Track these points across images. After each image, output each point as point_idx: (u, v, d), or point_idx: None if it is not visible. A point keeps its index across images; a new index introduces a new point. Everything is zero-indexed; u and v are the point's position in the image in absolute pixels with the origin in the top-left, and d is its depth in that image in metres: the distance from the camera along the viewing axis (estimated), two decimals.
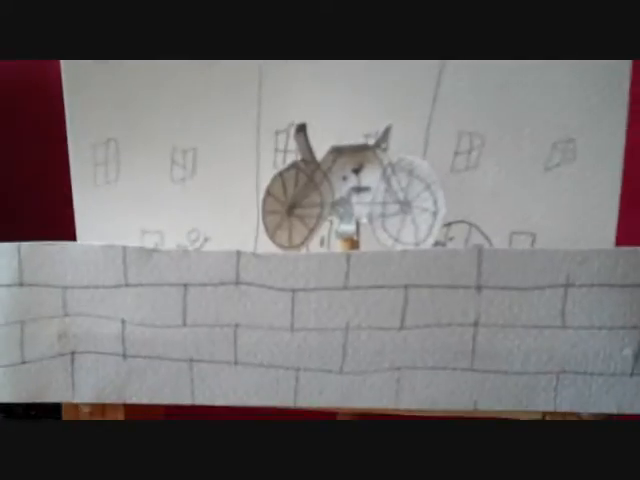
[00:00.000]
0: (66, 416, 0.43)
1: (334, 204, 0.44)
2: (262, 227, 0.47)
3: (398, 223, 0.43)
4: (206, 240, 0.51)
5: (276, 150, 0.49)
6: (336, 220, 0.44)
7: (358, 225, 0.44)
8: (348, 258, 0.41)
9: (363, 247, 0.44)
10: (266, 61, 0.45)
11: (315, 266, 0.41)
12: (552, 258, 0.40)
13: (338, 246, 0.45)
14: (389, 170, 0.43)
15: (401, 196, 0.43)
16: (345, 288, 0.41)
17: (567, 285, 0.40)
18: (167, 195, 0.48)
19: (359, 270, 0.41)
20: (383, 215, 0.43)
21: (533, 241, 0.49)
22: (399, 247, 0.42)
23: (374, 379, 0.41)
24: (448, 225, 0.49)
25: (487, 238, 0.48)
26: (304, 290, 0.41)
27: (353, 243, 0.44)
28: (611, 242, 0.47)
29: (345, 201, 0.44)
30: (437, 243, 0.49)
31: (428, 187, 0.42)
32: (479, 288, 0.40)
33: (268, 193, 0.46)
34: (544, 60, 0.44)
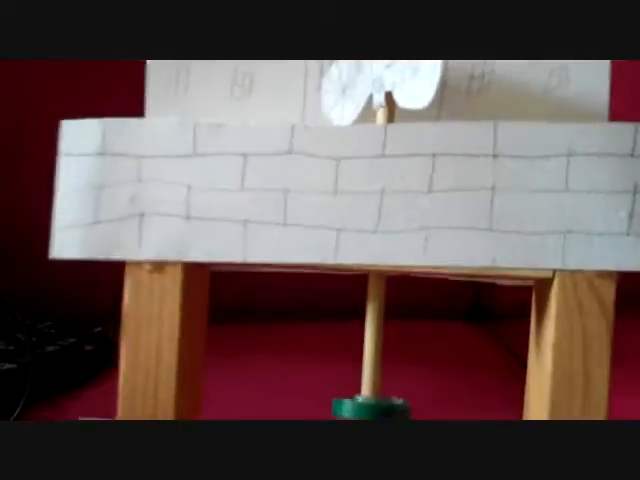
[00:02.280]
0: (129, 274, 0.48)
1: (373, 81, 0.52)
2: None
3: (410, 83, 0.49)
4: None
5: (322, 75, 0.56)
6: (375, 94, 0.51)
7: (387, 95, 0.51)
8: (385, 130, 0.48)
9: None
10: None
11: (357, 137, 0.48)
12: (556, 131, 0.47)
13: (378, 119, 0.51)
14: None
15: (414, 63, 0.50)
16: (382, 156, 0.48)
17: (569, 154, 0.47)
18: (226, 112, 0.56)
19: (394, 140, 0.48)
20: (402, 80, 0.50)
21: None
22: (409, 103, 0.49)
23: (405, 238, 0.47)
24: None
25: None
26: (346, 158, 0.48)
27: (391, 112, 0.51)
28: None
29: (380, 78, 0.51)
30: None
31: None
32: (495, 156, 0.47)
33: (328, 78, 0.54)
34: None
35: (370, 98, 0.52)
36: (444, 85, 0.53)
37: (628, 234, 0.47)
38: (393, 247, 0.48)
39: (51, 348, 0.77)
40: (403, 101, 0.51)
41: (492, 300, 0.98)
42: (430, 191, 0.48)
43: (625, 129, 0.47)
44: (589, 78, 0.54)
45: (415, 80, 0.50)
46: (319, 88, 0.55)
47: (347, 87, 0.54)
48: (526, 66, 0.55)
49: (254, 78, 0.55)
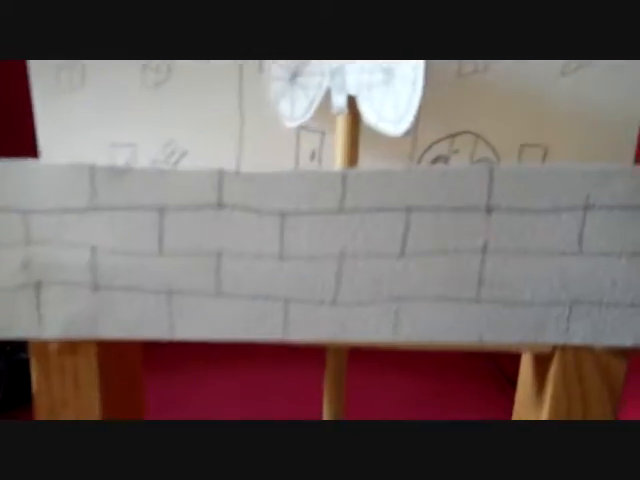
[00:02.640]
0: (34, 354, 0.39)
1: (332, 73, 0.39)
2: (246, 135, 0.43)
3: (381, 95, 0.38)
4: (183, 154, 0.46)
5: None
6: (334, 92, 0.39)
7: (350, 98, 0.39)
8: (344, 177, 0.36)
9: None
10: None
11: (307, 186, 0.37)
12: (571, 177, 0.36)
13: (337, 128, 0.40)
14: None
15: (385, 63, 0.37)
16: (341, 211, 0.37)
17: (586, 207, 0.36)
18: (139, 102, 0.44)
19: (356, 191, 0.36)
20: (369, 85, 0.38)
21: (545, 155, 0.45)
22: (381, 125, 0.38)
23: (370, 310, 0.38)
24: (452, 137, 0.45)
25: (495, 151, 0.43)
26: (295, 213, 0.37)
27: (355, 121, 0.39)
28: (631, 155, 0.43)
29: (341, 69, 0.39)
30: (439, 157, 0.44)
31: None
32: (489, 210, 0.36)
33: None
34: None
35: (327, 92, 0.39)
36: (427, 66, 0.40)
37: None
38: (356, 322, 0.38)
39: (24, 355, 0.75)
40: (371, 119, 0.38)
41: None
42: (403, 254, 0.37)
43: None
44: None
45: (388, 90, 0.37)
46: (260, 68, 0.42)
47: (298, 73, 0.40)
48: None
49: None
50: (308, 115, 0.41)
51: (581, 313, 0.37)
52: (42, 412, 0.40)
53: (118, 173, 0.36)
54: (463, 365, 0.79)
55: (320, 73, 0.40)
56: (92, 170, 0.36)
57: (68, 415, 0.40)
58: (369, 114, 0.39)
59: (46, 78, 0.42)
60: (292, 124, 0.42)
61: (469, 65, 0.43)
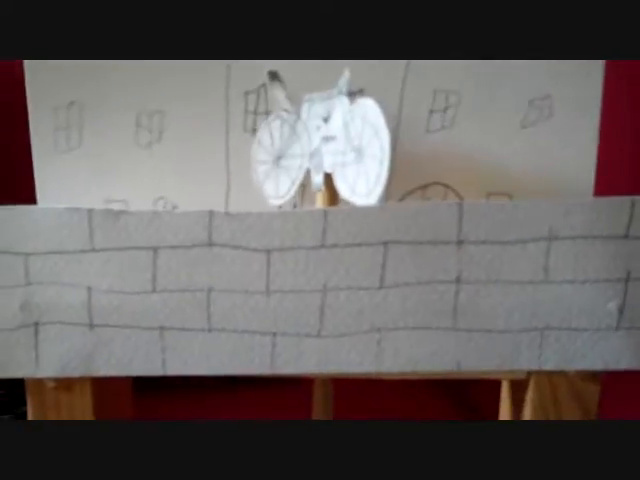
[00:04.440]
0: (30, 391, 0.41)
1: (311, 155, 0.43)
2: (232, 192, 0.46)
3: (354, 172, 0.41)
4: (174, 208, 0.49)
5: (246, 112, 0.47)
6: (314, 173, 0.43)
7: (327, 176, 0.42)
8: (325, 215, 0.39)
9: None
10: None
11: (291, 224, 0.39)
12: (534, 211, 0.39)
13: (316, 203, 0.43)
14: (348, 116, 0.42)
15: (356, 143, 0.41)
16: (322, 247, 0.39)
17: (550, 238, 0.39)
18: (132, 161, 0.47)
19: (337, 227, 0.39)
20: (343, 164, 0.42)
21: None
22: (354, 199, 0.41)
23: (354, 342, 0.40)
24: (424, 187, 0.48)
25: (463, 200, 0.47)
26: (280, 250, 0.39)
27: (332, 197, 0.42)
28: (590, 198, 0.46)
29: (317, 151, 0.42)
30: None
31: (376, 132, 0.40)
32: (460, 243, 0.39)
33: (258, 143, 0.45)
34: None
35: (308, 172, 0.43)
36: (398, 124, 0.44)
37: (617, 329, 0.39)
38: (340, 353, 0.40)
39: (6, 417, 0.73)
40: (345, 192, 0.42)
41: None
42: (382, 286, 0.40)
43: (620, 204, 0.38)
44: (578, 109, 0.45)
45: (359, 168, 0.41)
46: (244, 128, 0.45)
47: (281, 156, 0.44)
48: (501, 93, 0.45)
49: (164, 119, 0.45)
50: (290, 193, 0.45)
51: (552, 339, 0.39)
52: None
53: (114, 215, 0.39)
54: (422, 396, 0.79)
55: (300, 155, 0.44)
56: (90, 213, 0.39)
57: None
58: (344, 189, 0.42)
59: (46, 139, 0.45)
60: (276, 202, 0.46)
61: (437, 122, 0.47)
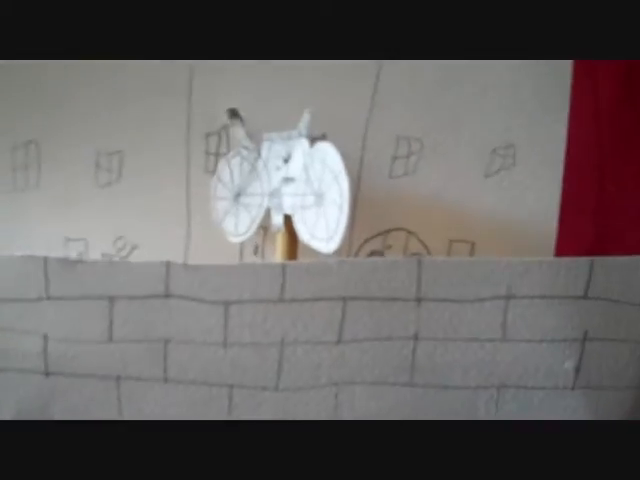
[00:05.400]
0: None
1: (271, 194, 0.43)
2: (193, 231, 0.46)
3: (314, 216, 0.41)
4: (133, 248, 0.48)
5: (207, 153, 0.47)
6: (272, 211, 0.43)
7: (287, 217, 0.43)
8: (284, 269, 0.39)
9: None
10: (197, 61, 0.43)
11: (249, 277, 0.39)
12: (493, 268, 0.39)
13: (276, 244, 0.43)
14: (308, 159, 0.42)
15: (316, 187, 0.41)
16: (281, 300, 0.39)
17: (508, 297, 0.39)
18: (92, 201, 0.46)
19: (295, 282, 0.39)
20: (302, 207, 0.42)
21: (472, 249, 0.48)
22: (314, 243, 0.41)
23: (311, 395, 0.40)
24: (386, 232, 0.48)
25: (425, 246, 0.47)
26: (238, 303, 0.39)
27: (292, 238, 0.42)
28: (551, 249, 0.47)
29: (277, 192, 0.42)
30: (374, 252, 0.48)
31: (336, 177, 0.40)
32: (419, 300, 0.39)
33: (218, 179, 0.45)
34: (481, 60, 0.43)
35: (267, 211, 0.43)
36: (360, 168, 0.44)
37: (574, 388, 0.40)
38: (298, 405, 0.40)
39: None
40: (305, 237, 0.42)
41: None
42: (340, 341, 0.40)
43: (578, 265, 0.39)
44: (540, 158, 0.45)
45: (319, 212, 0.41)
46: (206, 169, 0.45)
47: (241, 193, 0.44)
48: (464, 141, 0.45)
49: (123, 158, 0.45)
50: (250, 232, 0.45)
51: (508, 396, 0.40)
52: None
53: (70, 264, 0.38)
54: None
55: (260, 194, 0.44)
56: (45, 261, 0.38)
57: None
58: (303, 232, 0.42)
59: (3, 178, 0.45)
60: (236, 240, 0.46)
61: (399, 168, 0.47)
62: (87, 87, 0.45)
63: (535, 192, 0.47)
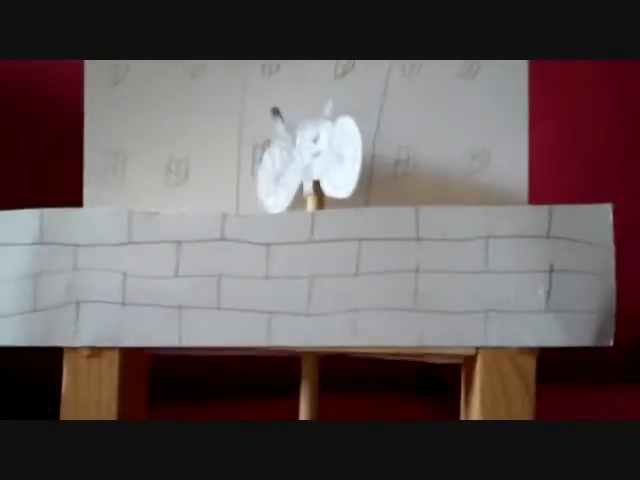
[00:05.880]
0: (67, 360, 0.49)
1: (303, 170, 0.54)
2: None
3: (336, 173, 0.52)
4: None
5: (254, 162, 0.59)
6: (305, 182, 0.54)
7: (316, 183, 0.54)
8: (312, 217, 0.50)
9: None
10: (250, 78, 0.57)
11: (286, 223, 0.50)
12: (476, 214, 0.50)
13: (307, 206, 0.54)
14: (331, 132, 0.53)
15: (337, 150, 0.53)
16: (311, 242, 0.50)
17: (488, 237, 0.49)
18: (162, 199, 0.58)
19: (322, 227, 0.50)
20: (327, 169, 0.53)
21: None
22: (335, 192, 0.52)
23: (334, 320, 0.49)
24: None
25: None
26: (277, 244, 0.50)
27: (320, 200, 0.53)
28: None
29: (309, 167, 0.54)
30: None
31: (352, 139, 0.52)
32: (418, 240, 0.50)
33: (262, 167, 0.57)
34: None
35: (301, 186, 0.55)
36: (371, 172, 0.56)
37: (546, 311, 0.49)
38: (323, 329, 0.50)
39: None
40: (329, 190, 0.53)
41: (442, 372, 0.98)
42: (357, 274, 0.50)
43: (540, 212, 0.50)
44: (509, 160, 0.57)
45: (339, 168, 0.53)
46: (252, 172, 0.58)
47: (280, 175, 0.56)
48: (449, 149, 0.58)
49: (189, 165, 0.58)
50: (287, 202, 0.56)
51: (493, 320, 0.49)
52: (68, 413, 0.49)
53: (149, 215, 0.50)
54: None
55: (294, 172, 0.56)
56: (130, 213, 0.50)
57: (90, 418, 0.49)
58: (327, 187, 0.54)
59: (95, 175, 0.57)
60: (275, 211, 0.57)
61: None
62: (161, 97, 0.59)
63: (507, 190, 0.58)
